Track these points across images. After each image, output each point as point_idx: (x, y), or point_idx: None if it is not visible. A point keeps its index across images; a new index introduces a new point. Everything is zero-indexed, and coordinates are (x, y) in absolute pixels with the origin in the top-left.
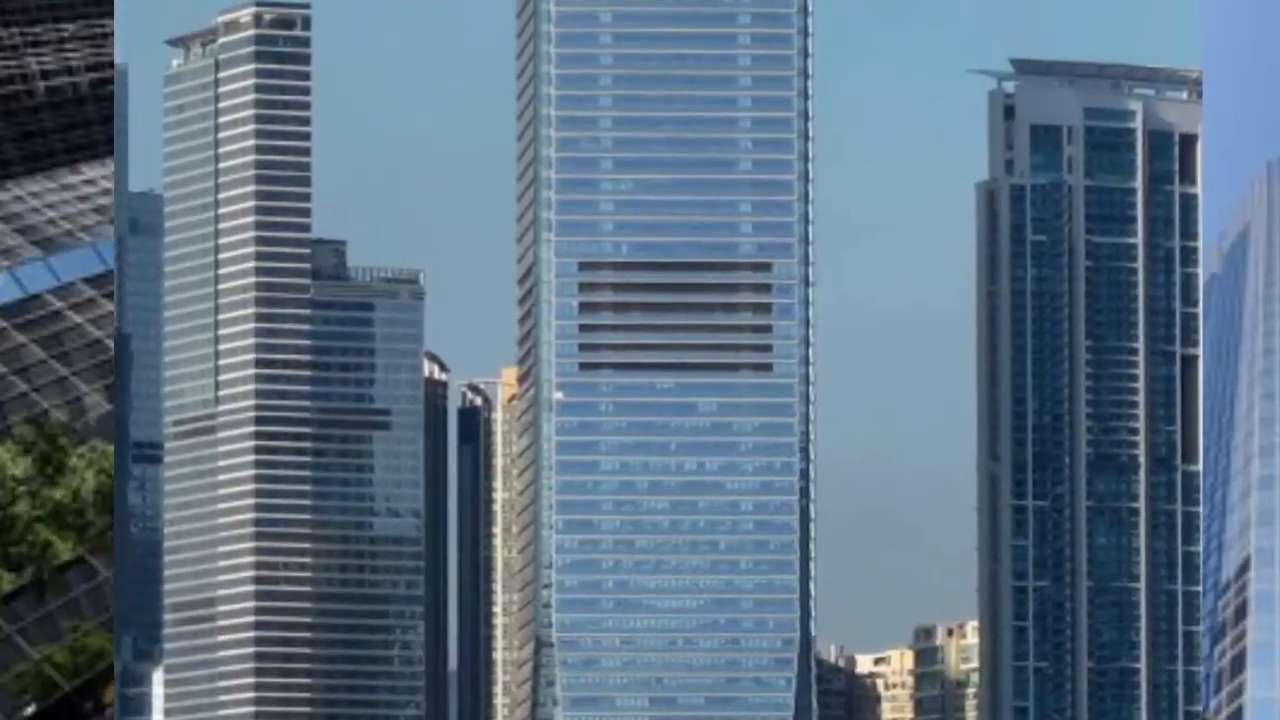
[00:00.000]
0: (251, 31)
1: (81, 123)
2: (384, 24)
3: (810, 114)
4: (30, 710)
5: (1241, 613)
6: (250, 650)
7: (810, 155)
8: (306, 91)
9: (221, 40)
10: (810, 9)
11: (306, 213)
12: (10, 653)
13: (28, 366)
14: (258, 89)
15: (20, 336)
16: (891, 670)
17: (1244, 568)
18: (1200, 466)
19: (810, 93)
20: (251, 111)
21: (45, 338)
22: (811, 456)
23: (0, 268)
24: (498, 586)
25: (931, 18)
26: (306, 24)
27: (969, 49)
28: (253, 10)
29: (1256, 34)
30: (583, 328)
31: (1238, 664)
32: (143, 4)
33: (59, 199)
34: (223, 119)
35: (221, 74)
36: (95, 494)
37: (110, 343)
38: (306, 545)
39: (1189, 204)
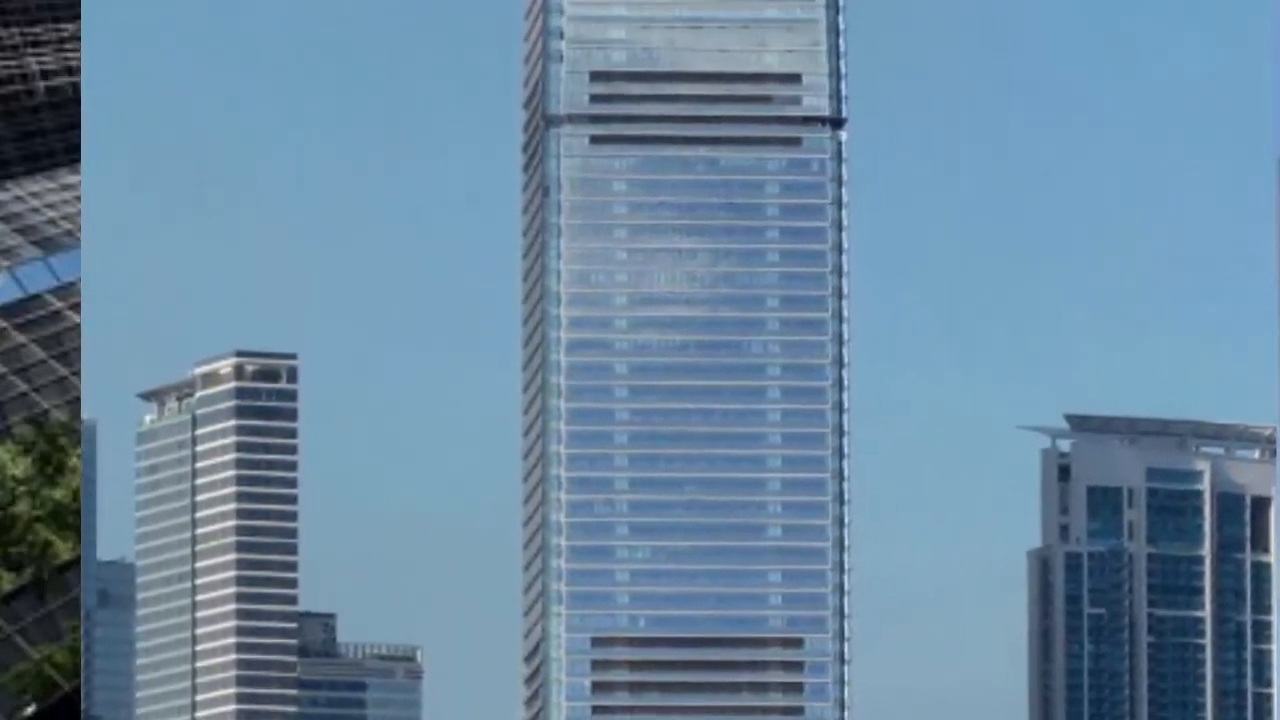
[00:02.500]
0: (232, 384)
1: (82, 123)
2: (375, 376)
3: (846, 474)
4: (30, 710)
5: None
6: None
7: (846, 520)
8: (292, 450)
9: (199, 394)
10: (845, 359)
11: (293, 583)
12: (10, 653)
13: (28, 366)
14: (239, 447)
15: (20, 336)
16: None
17: None
18: None
19: (846, 450)
20: (232, 472)
21: (45, 338)
22: None
23: (0, 268)
24: None
25: (977, 368)
26: (292, 375)
27: (1019, 403)
28: (233, 361)
29: None
30: (596, 709)
31: None
32: (112, 353)
33: (59, 199)
34: (200, 480)
35: (199, 431)
36: None
37: None
38: None
39: (1261, 573)
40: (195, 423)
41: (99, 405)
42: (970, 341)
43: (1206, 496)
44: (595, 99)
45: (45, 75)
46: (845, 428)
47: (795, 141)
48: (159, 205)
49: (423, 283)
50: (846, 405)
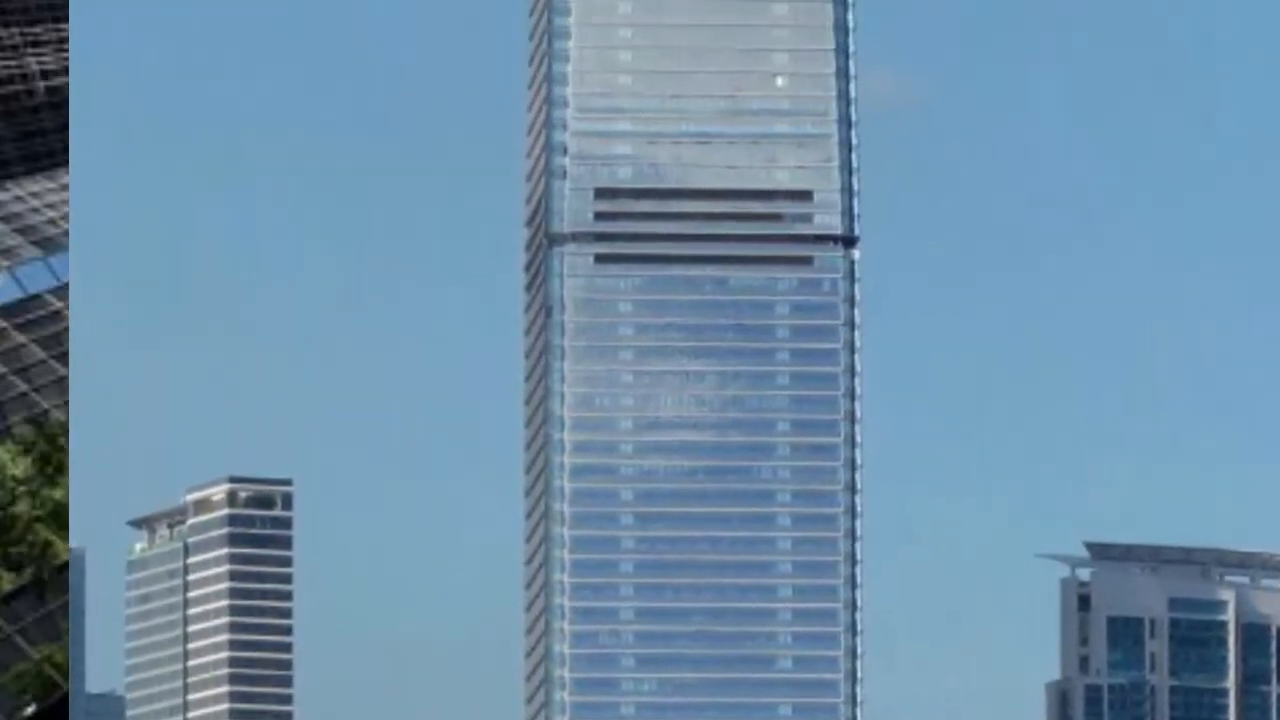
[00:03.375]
0: (225, 511)
1: (70, 247)
2: (373, 502)
3: (859, 603)
4: (30, 710)
5: None
6: None
7: (858, 650)
8: (287, 579)
9: (191, 521)
10: (858, 485)
11: (288, 716)
12: (10, 653)
13: (28, 366)
14: (232, 576)
15: (20, 336)
16: None
17: None
18: None
19: (859, 579)
20: (225, 602)
21: (45, 338)
22: None
23: (0, 268)
24: None
25: (994, 494)
26: (288, 502)
27: (1037, 531)
28: (226, 487)
29: None
30: None
31: None
32: (101, 480)
33: (59, 199)
34: (192, 610)
35: (191, 559)
36: None
37: None
38: None
39: None
40: (187, 551)
41: (88, 533)
42: (987, 467)
43: (1231, 627)
44: (600, 216)
45: (45, 75)
46: (858, 556)
47: (806, 260)
48: (149, 325)
49: (422, 406)
50: (859, 533)
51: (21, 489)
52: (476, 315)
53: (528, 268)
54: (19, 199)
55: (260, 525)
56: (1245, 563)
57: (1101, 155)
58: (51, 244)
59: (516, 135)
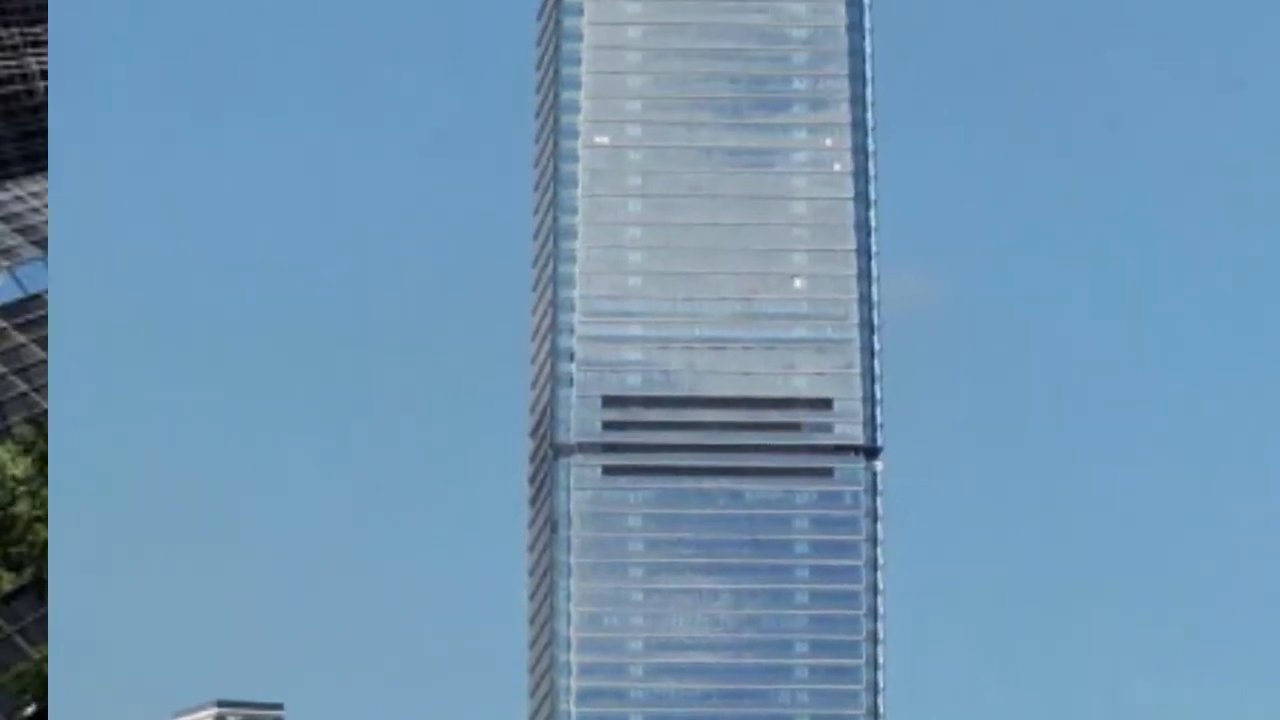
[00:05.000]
0: None
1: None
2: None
3: None
4: (30, 710)
5: None
6: None
7: None
8: None
9: None
10: (881, 710)
11: None
12: (10, 653)
13: (28, 366)
14: None
15: (20, 336)
16: None
17: None
18: None
19: None
20: None
21: (45, 338)
22: None
23: (0, 268)
24: None
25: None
26: None
27: None
28: (214, 711)
29: None
30: None
31: None
32: (82, 702)
33: None
34: None
35: None
36: None
37: None
38: None
39: None
40: None
41: None
42: (1015, 690)
43: None
44: (608, 426)
45: (45, 75)
46: None
47: (826, 472)
48: (131, 539)
49: (420, 627)
50: None
51: (21, 489)
52: (478, 530)
53: (532, 480)
54: (19, 199)
55: None
56: None
57: (1136, 359)
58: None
59: (520, 340)
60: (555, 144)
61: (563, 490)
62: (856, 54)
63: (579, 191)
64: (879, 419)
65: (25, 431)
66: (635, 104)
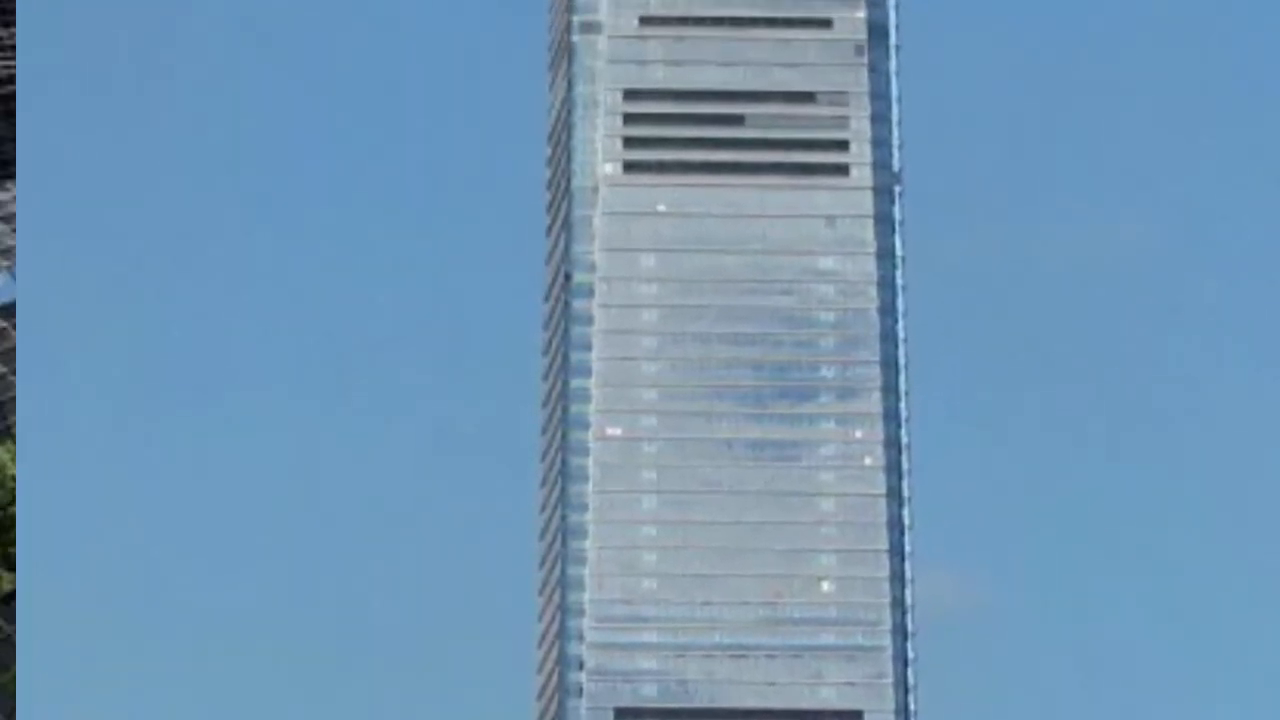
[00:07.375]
0: None
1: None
2: None
3: None
4: None
5: None
6: None
7: None
8: None
9: None
10: None
11: None
12: (10, 653)
13: None
14: None
15: None
16: None
17: None
18: None
19: None
20: None
21: None
22: None
23: (0, 268)
24: None
25: None
26: None
27: None
28: None
29: None
30: None
31: None
32: None
33: None
34: None
35: None
36: None
37: None
38: None
39: None
40: None
41: None
42: None
43: None
44: None
45: None
46: None
47: None
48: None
49: None
50: None
51: None
52: None
53: None
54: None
55: None
56: None
57: (1189, 672)
58: None
59: (526, 648)
60: (564, 435)
61: None
62: (889, 339)
63: (589, 487)
64: None
65: None
66: (650, 392)
